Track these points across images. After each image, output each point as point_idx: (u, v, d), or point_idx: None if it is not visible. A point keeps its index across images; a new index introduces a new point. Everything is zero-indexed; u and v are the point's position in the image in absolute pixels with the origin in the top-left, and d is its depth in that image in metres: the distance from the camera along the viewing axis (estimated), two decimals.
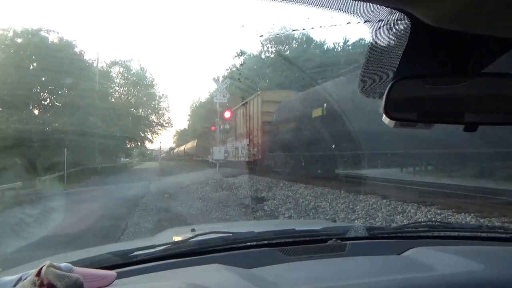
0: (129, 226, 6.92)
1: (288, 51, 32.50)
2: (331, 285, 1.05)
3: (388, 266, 1.25)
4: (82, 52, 25.69)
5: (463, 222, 5.86)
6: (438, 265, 1.16)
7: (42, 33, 22.79)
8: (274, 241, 1.47)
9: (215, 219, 7.52)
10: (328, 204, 8.61)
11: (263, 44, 34.56)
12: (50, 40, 23.16)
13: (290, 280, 1.11)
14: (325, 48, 32.33)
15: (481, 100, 0.76)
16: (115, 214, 8.21)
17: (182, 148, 46.27)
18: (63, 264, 0.90)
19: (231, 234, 1.51)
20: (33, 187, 13.12)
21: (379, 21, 0.72)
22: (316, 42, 33.21)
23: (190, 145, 38.09)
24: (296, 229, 1.68)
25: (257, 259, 1.29)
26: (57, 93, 23.92)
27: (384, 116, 0.84)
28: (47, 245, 5.34)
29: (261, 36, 29.85)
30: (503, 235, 1.60)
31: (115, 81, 33.66)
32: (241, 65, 31.30)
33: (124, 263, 1.29)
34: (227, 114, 19.24)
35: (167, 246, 1.43)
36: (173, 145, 67.34)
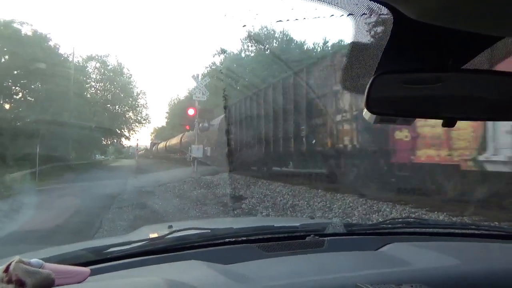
0: (103, 224, 6.77)
1: (268, 50, 32.60)
2: (310, 279, 1.05)
3: (366, 261, 1.26)
4: (57, 46, 24.99)
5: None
6: (414, 260, 1.18)
7: (15, 25, 21.95)
8: (253, 238, 1.47)
9: (192, 218, 7.46)
10: (305, 202, 8.69)
11: (243, 43, 34.60)
12: (23, 32, 22.36)
13: (268, 275, 1.11)
14: (305, 49, 32.60)
15: (460, 96, 0.77)
16: (89, 212, 8.02)
17: (176, 140, 31.71)
18: (33, 260, 0.86)
19: (209, 231, 1.50)
20: (3, 184, 12.67)
21: (362, 14, 0.72)
22: (296, 42, 33.46)
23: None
24: (275, 225, 1.68)
25: (235, 255, 1.28)
26: (30, 87, 23.18)
27: (364, 111, 0.85)
28: (17, 241, 5.17)
29: (244, 26, 29.71)
30: (476, 232, 1.65)
31: (91, 76, 32.99)
32: (221, 63, 31.23)
33: (99, 259, 1.25)
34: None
35: (143, 242, 1.40)
36: (156, 140, 54.27)
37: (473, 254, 1.32)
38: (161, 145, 41.72)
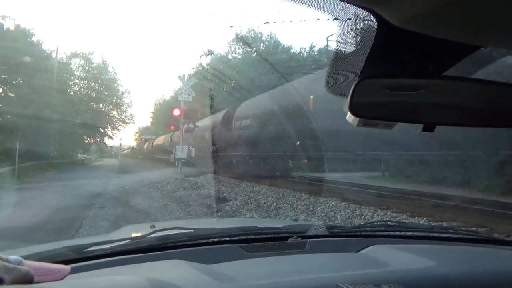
0: (84, 225, 6.64)
1: (255, 54, 32.64)
2: (291, 279, 1.06)
3: (347, 263, 1.28)
4: (41, 42, 24.49)
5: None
6: (394, 261, 1.20)
7: None
8: (236, 238, 1.47)
9: (175, 219, 7.39)
10: (289, 205, 8.73)
11: (230, 45, 34.59)
12: (5, 27, 21.85)
13: (250, 275, 1.12)
14: (292, 53, 32.77)
15: (440, 102, 0.79)
16: (69, 212, 7.85)
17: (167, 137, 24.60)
18: (12, 257, 0.84)
19: (192, 230, 1.49)
20: None
21: (347, 19, 0.74)
22: (283, 46, 33.57)
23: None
24: (258, 226, 1.69)
25: (218, 255, 1.28)
26: (11, 83, 22.59)
27: (348, 114, 0.87)
28: None
29: (232, 26, 29.64)
30: (453, 235, 1.69)
31: (75, 73, 32.30)
32: (207, 65, 31.19)
33: (79, 258, 1.24)
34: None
35: (125, 241, 1.39)
36: (148, 136, 45.96)
37: (450, 257, 1.35)
38: (159, 141, 33.40)
